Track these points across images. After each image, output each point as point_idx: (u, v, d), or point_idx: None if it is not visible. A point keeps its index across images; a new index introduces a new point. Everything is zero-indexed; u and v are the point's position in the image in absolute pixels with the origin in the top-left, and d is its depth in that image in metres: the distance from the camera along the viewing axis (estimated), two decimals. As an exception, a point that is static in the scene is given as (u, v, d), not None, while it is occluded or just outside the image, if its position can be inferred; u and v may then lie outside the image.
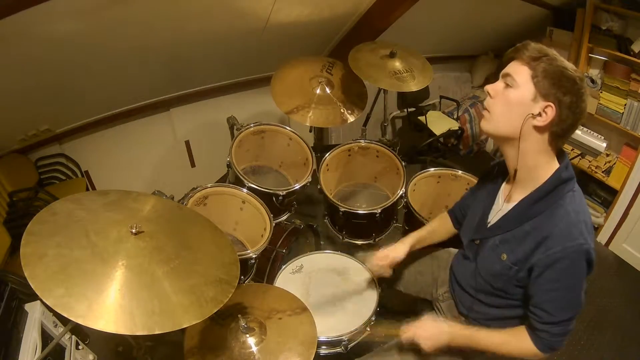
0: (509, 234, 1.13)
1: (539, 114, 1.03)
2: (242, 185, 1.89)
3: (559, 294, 1.05)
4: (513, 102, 1.06)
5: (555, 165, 1.09)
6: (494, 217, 1.20)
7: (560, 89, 1.01)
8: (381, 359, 1.33)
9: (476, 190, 1.36)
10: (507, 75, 1.07)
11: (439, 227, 1.53)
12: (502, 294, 1.19)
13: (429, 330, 1.22)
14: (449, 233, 1.52)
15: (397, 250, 1.45)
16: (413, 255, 1.60)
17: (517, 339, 1.14)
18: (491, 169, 1.31)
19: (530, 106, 1.04)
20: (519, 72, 1.05)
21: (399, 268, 1.57)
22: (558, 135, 1.05)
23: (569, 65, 1.02)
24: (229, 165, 1.99)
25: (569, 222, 1.02)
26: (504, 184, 1.22)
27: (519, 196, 1.12)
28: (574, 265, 1.01)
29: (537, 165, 1.08)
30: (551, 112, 1.02)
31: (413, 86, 2.12)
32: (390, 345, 1.37)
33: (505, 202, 1.18)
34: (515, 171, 1.12)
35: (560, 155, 1.11)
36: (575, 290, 1.05)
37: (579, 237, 1.01)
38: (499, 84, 1.09)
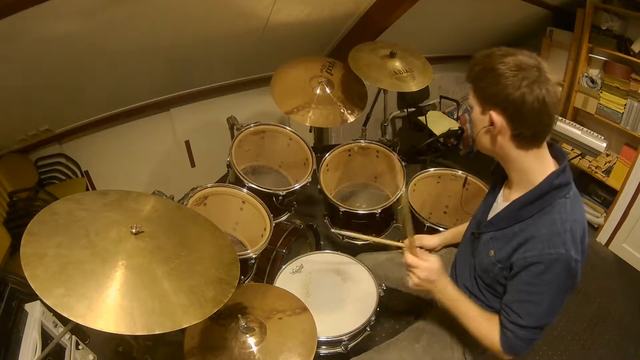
0: (500, 232, 1.13)
1: (491, 124, 1.02)
2: (242, 185, 1.89)
3: (528, 298, 1.03)
4: (474, 122, 1.10)
5: (550, 167, 1.06)
6: (491, 214, 1.21)
7: (495, 88, 0.98)
8: (379, 355, 1.33)
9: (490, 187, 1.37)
10: None
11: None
12: (492, 291, 1.19)
13: (431, 269, 1.20)
14: None
15: (431, 238, 1.55)
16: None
17: (489, 323, 1.14)
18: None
19: (482, 120, 1.05)
20: (470, 93, 1.08)
21: (400, 269, 1.58)
22: (525, 137, 1.01)
23: (508, 59, 0.97)
24: (229, 165, 1.99)
25: (552, 231, 0.99)
26: (505, 182, 1.22)
27: (514, 196, 1.11)
28: (548, 272, 0.98)
29: (527, 169, 1.06)
30: (497, 119, 1.00)
31: (413, 86, 2.12)
32: (388, 344, 1.37)
33: (503, 200, 1.18)
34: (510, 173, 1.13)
35: (559, 157, 1.09)
36: (545, 299, 1.02)
37: (559, 246, 0.97)
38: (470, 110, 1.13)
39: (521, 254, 1.03)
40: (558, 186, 1.03)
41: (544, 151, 1.06)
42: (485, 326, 1.14)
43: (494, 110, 1.00)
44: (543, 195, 1.03)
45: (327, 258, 1.72)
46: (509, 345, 1.09)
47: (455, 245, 1.56)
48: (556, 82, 0.99)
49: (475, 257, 1.23)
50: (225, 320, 1.29)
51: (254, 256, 1.66)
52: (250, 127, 2.15)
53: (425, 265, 1.20)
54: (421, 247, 1.58)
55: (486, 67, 1.00)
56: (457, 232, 1.56)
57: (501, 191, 1.22)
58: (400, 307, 1.63)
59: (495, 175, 1.29)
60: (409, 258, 1.21)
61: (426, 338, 1.33)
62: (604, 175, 2.79)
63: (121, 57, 2.01)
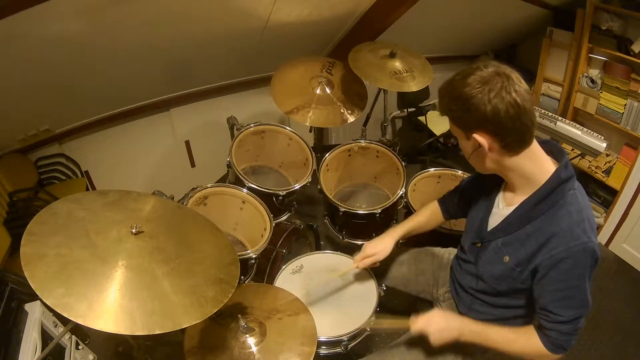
0: (512, 236, 1.13)
1: (479, 146, 1.03)
2: (242, 185, 1.89)
3: (564, 294, 1.05)
4: (463, 150, 1.11)
5: (550, 165, 1.08)
6: (494, 221, 1.20)
7: (468, 112, 0.99)
8: (380, 358, 1.33)
9: (473, 191, 1.34)
10: None
11: (429, 219, 1.52)
12: (505, 295, 1.19)
13: (439, 324, 1.21)
14: (439, 223, 1.54)
15: (384, 248, 1.44)
16: (414, 255, 1.61)
17: (527, 337, 1.13)
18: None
19: (469, 145, 1.07)
20: (450, 125, 1.09)
21: (400, 267, 1.58)
22: (514, 143, 1.02)
23: (469, 80, 0.97)
24: (229, 165, 1.99)
25: (572, 222, 1.01)
26: (502, 188, 1.21)
27: (519, 199, 1.11)
28: (578, 264, 1.01)
29: (527, 173, 1.07)
30: (481, 139, 1.01)
31: (413, 86, 2.12)
32: (394, 345, 1.36)
33: (506, 205, 1.17)
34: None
35: (558, 153, 1.10)
36: (580, 289, 1.04)
37: (582, 236, 1.00)
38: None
39: (546, 253, 1.03)
40: (565, 180, 1.05)
41: (536, 149, 1.07)
42: (526, 340, 1.13)
43: (475, 132, 1.02)
44: (553, 190, 1.05)
45: (327, 258, 1.71)
46: (555, 345, 1.09)
47: (456, 245, 1.55)
48: (518, 77, 0.98)
49: (480, 266, 1.22)
50: (225, 320, 1.29)
51: (254, 256, 1.66)
52: (250, 127, 2.14)
53: (430, 327, 1.20)
54: (374, 258, 1.45)
55: (452, 96, 1.02)
56: (409, 228, 1.49)
57: (499, 196, 1.21)
58: (400, 307, 1.63)
59: (485, 179, 1.27)
60: (414, 331, 1.22)
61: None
62: (604, 175, 2.79)
63: (121, 57, 2.01)
